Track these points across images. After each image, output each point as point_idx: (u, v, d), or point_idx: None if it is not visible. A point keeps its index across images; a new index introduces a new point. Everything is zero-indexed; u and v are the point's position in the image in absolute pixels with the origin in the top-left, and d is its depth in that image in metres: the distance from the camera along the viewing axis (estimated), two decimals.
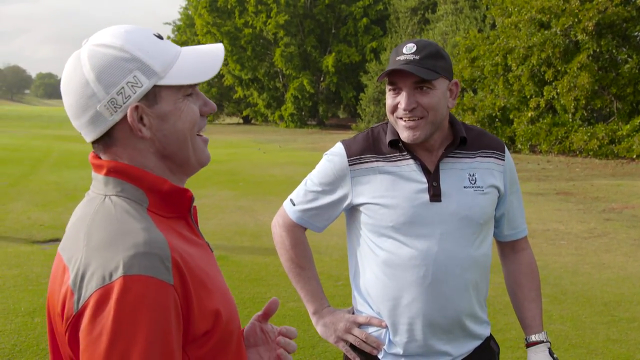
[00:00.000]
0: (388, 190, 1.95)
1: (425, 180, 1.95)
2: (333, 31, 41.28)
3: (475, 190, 1.97)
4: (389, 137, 1.99)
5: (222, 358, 1.19)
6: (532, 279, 2.15)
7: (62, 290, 1.11)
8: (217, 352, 1.18)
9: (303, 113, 42.07)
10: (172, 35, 53.25)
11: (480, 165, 2.01)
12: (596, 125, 19.59)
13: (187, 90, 1.21)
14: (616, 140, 18.80)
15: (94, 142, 1.22)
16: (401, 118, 1.91)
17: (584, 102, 19.44)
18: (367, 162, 2.00)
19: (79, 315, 1.06)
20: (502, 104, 21.53)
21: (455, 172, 1.98)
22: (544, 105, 20.51)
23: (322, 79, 41.59)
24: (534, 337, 2.08)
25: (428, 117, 1.90)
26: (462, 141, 1.99)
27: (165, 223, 1.18)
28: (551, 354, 2.06)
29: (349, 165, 2.00)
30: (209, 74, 1.23)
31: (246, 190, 12.58)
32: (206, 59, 1.24)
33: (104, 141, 1.20)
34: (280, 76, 43.19)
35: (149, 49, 1.18)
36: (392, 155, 1.99)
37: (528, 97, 21.07)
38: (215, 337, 1.16)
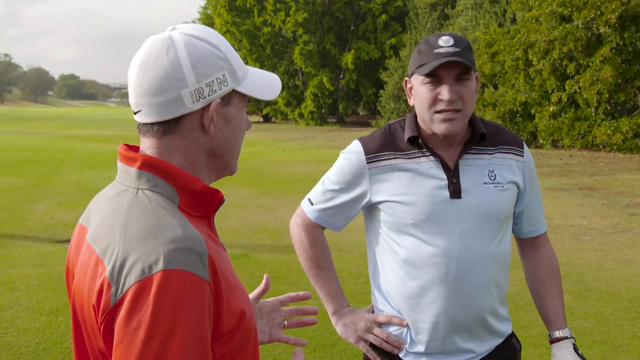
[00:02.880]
0: (408, 188, 1.94)
1: (445, 176, 1.93)
2: (352, 28, 41.18)
3: (495, 187, 1.95)
4: (407, 134, 1.97)
5: (243, 354, 1.20)
6: (553, 275, 2.12)
7: (97, 282, 1.10)
8: (239, 349, 1.19)
9: (323, 111, 42.04)
10: None
11: (500, 161, 1.99)
12: (620, 119, 19.32)
13: (245, 103, 1.29)
14: None
15: (149, 124, 1.21)
16: (440, 111, 1.88)
17: (607, 95, 19.18)
18: (385, 159, 1.98)
19: (116, 307, 1.06)
20: (524, 99, 21.31)
21: (475, 169, 1.96)
22: (566, 99, 20.28)
23: (341, 76, 41.53)
24: (558, 333, 2.05)
25: (465, 110, 1.89)
26: (481, 137, 1.97)
27: (193, 222, 1.18)
28: (576, 350, 2.02)
29: (367, 162, 1.99)
30: (273, 94, 1.32)
31: (266, 189, 12.62)
32: (270, 81, 1.34)
33: (167, 126, 1.20)
34: (299, 74, 43.21)
35: (234, 55, 1.26)
36: (410, 152, 1.97)
37: (550, 91, 20.84)
38: (239, 334, 1.17)
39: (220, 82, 1.21)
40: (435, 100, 1.88)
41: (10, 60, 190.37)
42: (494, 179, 1.96)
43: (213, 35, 1.24)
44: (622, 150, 18.64)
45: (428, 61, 1.85)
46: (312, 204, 2.10)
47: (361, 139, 2.05)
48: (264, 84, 1.32)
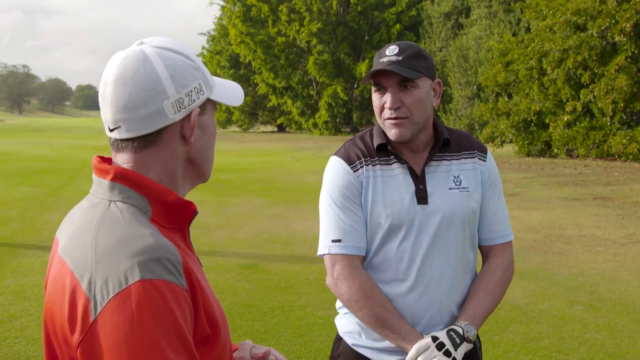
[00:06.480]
0: (378, 194, 1.98)
1: (412, 183, 1.99)
2: (366, 38, 41.25)
3: (460, 192, 2.01)
4: (376, 142, 2.03)
5: None
6: (490, 278, 2.04)
7: (70, 296, 1.09)
8: None
9: (337, 120, 42.08)
10: (206, 45, 53.99)
11: (465, 166, 2.04)
12: (635, 129, 19.12)
13: (215, 110, 1.31)
14: None
15: (128, 139, 1.20)
16: (388, 118, 1.95)
17: (622, 104, 19.00)
18: (361, 167, 2.01)
19: (96, 321, 1.05)
20: (538, 108, 21.20)
21: (441, 174, 2.02)
22: (580, 108, 20.13)
23: (355, 86, 41.58)
24: (458, 323, 1.92)
25: (413, 117, 1.94)
26: (446, 143, 2.03)
27: (165, 233, 1.17)
28: (454, 341, 1.86)
29: (353, 171, 2.01)
30: (240, 100, 1.36)
31: (279, 198, 12.62)
32: (234, 88, 1.37)
33: (147, 139, 1.20)
34: (313, 84, 43.29)
35: (203, 65, 1.29)
36: (380, 159, 2.02)
37: (564, 100, 20.70)
38: (216, 348, 1.17)
39: (197, 91, 1.23)
40: (382, 107, 1.96)
41: (28, 71, 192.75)
42: (460, 184, 2.01)
43: (182, 47, 1.26)
44: (638, 159, 18.44)
45: (373, 69, 1.94)
46: (332, 242, 1.99)
47: (337, 154, 2.07)
48: (230, 91, 1.35)
